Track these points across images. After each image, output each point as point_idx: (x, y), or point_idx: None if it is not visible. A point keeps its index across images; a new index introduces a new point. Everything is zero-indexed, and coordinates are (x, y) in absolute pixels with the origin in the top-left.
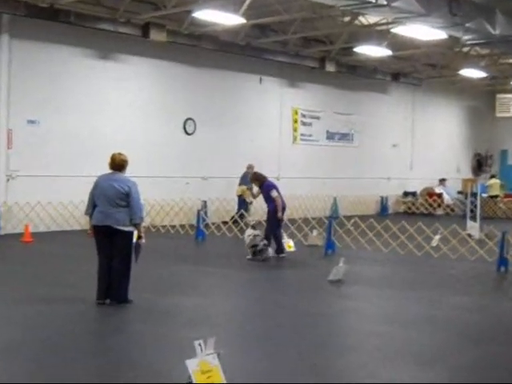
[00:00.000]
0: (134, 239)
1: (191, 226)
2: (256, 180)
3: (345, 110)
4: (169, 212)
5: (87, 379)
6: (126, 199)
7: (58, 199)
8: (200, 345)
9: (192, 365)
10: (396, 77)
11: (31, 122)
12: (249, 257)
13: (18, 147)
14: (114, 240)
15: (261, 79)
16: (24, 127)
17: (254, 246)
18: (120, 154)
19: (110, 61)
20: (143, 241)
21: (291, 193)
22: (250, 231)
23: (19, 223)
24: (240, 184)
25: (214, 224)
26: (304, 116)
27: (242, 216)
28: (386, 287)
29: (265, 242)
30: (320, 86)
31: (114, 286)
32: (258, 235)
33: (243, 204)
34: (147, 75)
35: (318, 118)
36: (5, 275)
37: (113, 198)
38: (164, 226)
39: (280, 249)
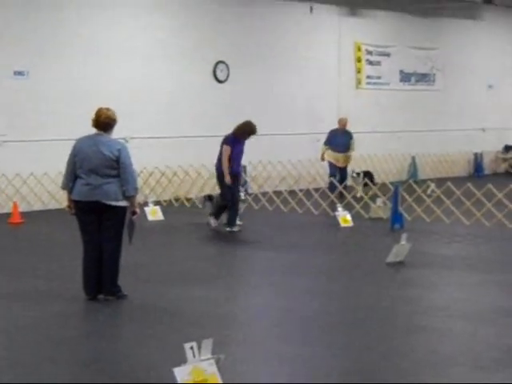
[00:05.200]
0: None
1: None
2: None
3: (423, 43)
4: (195, 181)
5: None
6: (116, 167)
7: (57, 169)
8: (192, 348)
9: (181, 373)
10: None
11: (18, 73)
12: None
13: (3, 106)
14: (103, 219)
15: (311, 8)
16: (9, 80)
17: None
18: (108, 109)
19: None
20: (137, 216)
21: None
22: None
23: (8, 201)
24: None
25: (251, 195)
26: (370, 53)
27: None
28: (464, 271)
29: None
30: (390, 12)
31: (107, 276)
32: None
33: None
34: (164, 6)
35: (388, 54)
36: None
37: (100, 167)
38: (189, 199)
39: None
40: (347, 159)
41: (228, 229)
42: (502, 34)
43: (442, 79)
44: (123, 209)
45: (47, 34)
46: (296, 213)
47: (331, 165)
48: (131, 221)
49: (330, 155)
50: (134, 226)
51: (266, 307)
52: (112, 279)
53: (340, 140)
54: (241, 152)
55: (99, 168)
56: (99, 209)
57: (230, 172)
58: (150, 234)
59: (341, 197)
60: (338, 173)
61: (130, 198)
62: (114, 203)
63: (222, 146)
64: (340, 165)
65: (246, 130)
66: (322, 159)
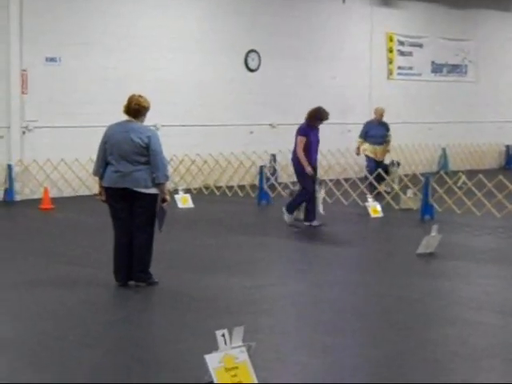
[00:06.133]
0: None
1: (253, 186)
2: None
3: (455, 34)
4: (225, 169)
5: (89, 378)
6: (146, 154)
7: (88, 155)
8: (224, 336)
9: (213, 361)
10: None
11: (50, 60)
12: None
13: (34, 92)
14: (134, 206)
15: None
16: (41, 67)
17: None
18: (140, 96)
19: None
20: (167, 204)
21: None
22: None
23: (39, 186)
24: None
25: (281, 184)
26: (402, 43)
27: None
28: (494, 263)
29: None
30: (422, 3)
31: (138, 264)
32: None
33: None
34: None
35: (420, 45)
36: (15, 251)
37: (130, 154)
38: (219, 188)
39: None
40: (385, 152)
41: (308, 223)
42: None
43: (475, 70)
44: (154, 196)
45: (80, 22)
46: (326, 203)
47: (369, 159)
48: (162, 208)
49: (369, 148)
50: (164, 213)
51: (296, 296)
52: (144, 266)
53: (376, 132)
54: (317, 141)
55: (129, 155)
56: (129, 196)
57: (310, 163)
58: (180, 222)
59: (375, 188)
60: (377, 166)
61: (160, 185)
62: (143, 190)
63: (296, 137)
64: (378, 158)
65: (316, 116)
66: (358, 153)
